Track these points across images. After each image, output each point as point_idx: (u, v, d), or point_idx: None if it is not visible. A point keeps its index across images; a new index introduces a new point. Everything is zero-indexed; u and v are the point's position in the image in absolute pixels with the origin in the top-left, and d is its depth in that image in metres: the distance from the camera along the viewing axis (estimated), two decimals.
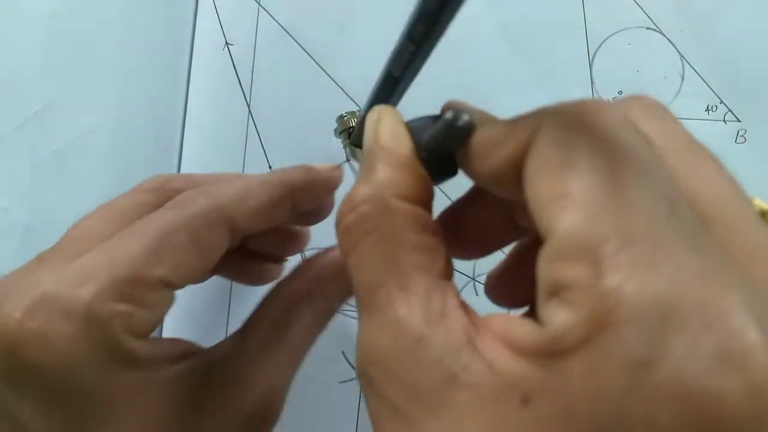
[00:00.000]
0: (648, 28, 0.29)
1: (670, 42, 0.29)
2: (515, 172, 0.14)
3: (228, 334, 0.22)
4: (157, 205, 0.21)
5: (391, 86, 0.18)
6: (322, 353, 0.30)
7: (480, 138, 0.16)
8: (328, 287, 0.23)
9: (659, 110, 0.16)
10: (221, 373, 0.20)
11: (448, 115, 0.18)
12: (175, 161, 0.32)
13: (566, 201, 0.12)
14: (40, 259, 0.20)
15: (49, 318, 0.17)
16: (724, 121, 0.29)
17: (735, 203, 0.14)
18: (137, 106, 0.32)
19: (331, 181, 0.25)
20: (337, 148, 0.31)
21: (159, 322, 0.19)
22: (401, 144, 0.18)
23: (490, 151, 0.15)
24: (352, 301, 0.30)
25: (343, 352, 0.30)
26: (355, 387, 0.30)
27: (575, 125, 0.14)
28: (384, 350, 0.13)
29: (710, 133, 0.29)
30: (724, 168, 0.15)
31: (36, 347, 0.17)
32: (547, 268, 0.12)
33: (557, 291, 0.12)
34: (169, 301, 0.19)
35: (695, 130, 0.30)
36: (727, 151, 0.29)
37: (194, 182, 0.23)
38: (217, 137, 0.31)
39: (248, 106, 0.31)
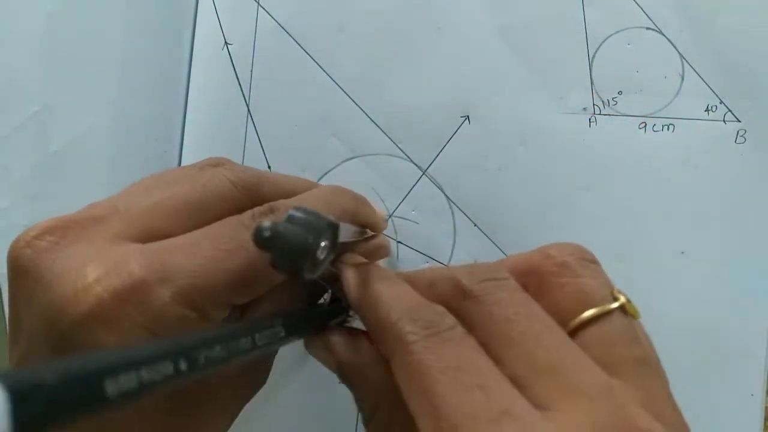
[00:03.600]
0: (648, 28, 0.29)
1: (670, 42, 0.29)
2: None
3: None
4: (242, 206, 0.21)
5: None
6: None
7: None
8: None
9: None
10: None
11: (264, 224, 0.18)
12: (175, 161, 0.32)
13: None
14: (117, 212, 0.20)
15: (126, 306, 0.17)
16: (724, 121, 0.29)
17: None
18: (137, 106, 0.32)
19: (377, 225, 0.27)
20: (335, 148, 0.31)
21: None
22: None
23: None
24: None
25: None
26: None
27: None
28: None
29: (710, 133, 0.29)
30: None
31: (104, 329, 0.17)
32: None
33: None
34: (226, 315, 0.20)
35: (695, 130, 0.30)
36: (727, 151, 0.29)
37: (279, 190, 0.23)
38: (216, 137, 0.31)
39: (247, 105, 0.31)
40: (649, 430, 0.15)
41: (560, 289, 0.19)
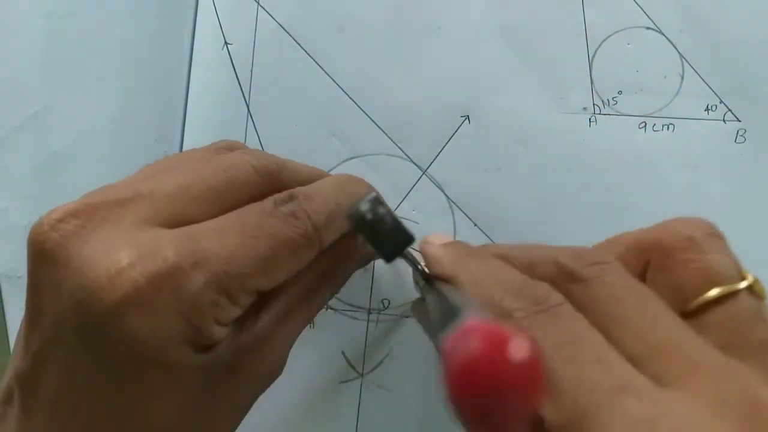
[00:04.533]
0: (648, 28, 0.29)
1: (670, 42, 0.29)
2: None
3: None
4: (261, 191, 0.21)
5: None
6: (322, 353, 0.30)
7: None
8: (350, 271, 0.25)
9: None
10: (250, 336, 0.21)
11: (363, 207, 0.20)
12: None
13: None
14: (141, 196, 0.19)
15: (161, 291, 0.17)
16: (723, 120, 0.29)
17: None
18: (137, 106, 0.32)
19: None
20: (335, 148, 0.31)
21: (238, 316, 0.20)
22: None
23: None
24: (352, 300, 0.30)
25: (343, 352, 0.30)
26: (355, 387, 0.30)
27: None
28: None
29: (710, 132, 0.29)
30: None
31: (138, 314, 0.17)
32: None
33: None
34: (253, 299, 0.20)
35: (695, 130, 0.30)
36: (727, 151, 0.29)
37: (296, 177, 0.23)
38: (216, 137, 0.31)
39: (247, 105, 0.31)
40: None
41: (685, 266, 0.18)
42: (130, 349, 0.17)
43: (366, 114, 0.31)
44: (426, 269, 0.22)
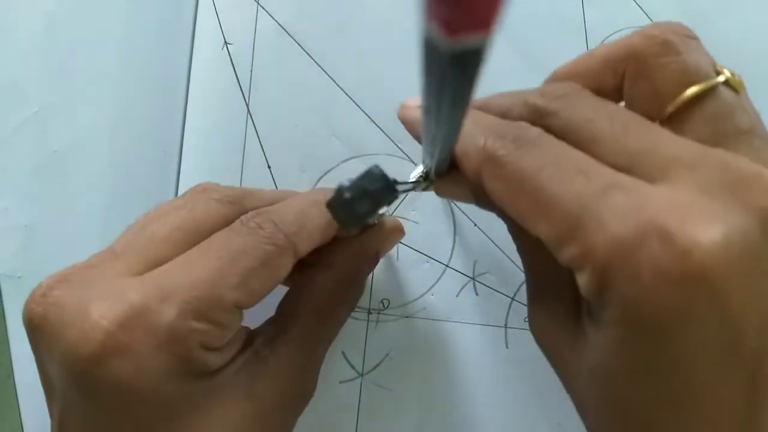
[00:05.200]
0: None
1: None
2: None
3: None
4: (228, 221, 0.22)
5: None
6: None
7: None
8: (362, 278, 0.25)
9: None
10: (272, 360, 0.21)
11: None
12: (175, 161, 0.32)
13: None
14: (115, 255, 0.20)
15: (134, 332, 0.18)
16: None
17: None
18: (137, 106, 0.32)
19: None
20: (335, 148, 0.31)
21: (230, 337, 0.20)
22: None
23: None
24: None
25: (343, 352, 0.30)
26: (355, 387, 0.30)
27: None
28: None
29: None
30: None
31: (119, 359, 0.18)
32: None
33: None
34: (240, 320, 0.20)
35: None
36: None
37: (262, 201, 0.24)
38: (216, 137, 0.31)
39: (247, 105, 0.31)
40: (758, 173, 0.15)
41: (661, 70, 0.18)
42: (123, 392, 0.18)
43: (366, 114, 0.31)
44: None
